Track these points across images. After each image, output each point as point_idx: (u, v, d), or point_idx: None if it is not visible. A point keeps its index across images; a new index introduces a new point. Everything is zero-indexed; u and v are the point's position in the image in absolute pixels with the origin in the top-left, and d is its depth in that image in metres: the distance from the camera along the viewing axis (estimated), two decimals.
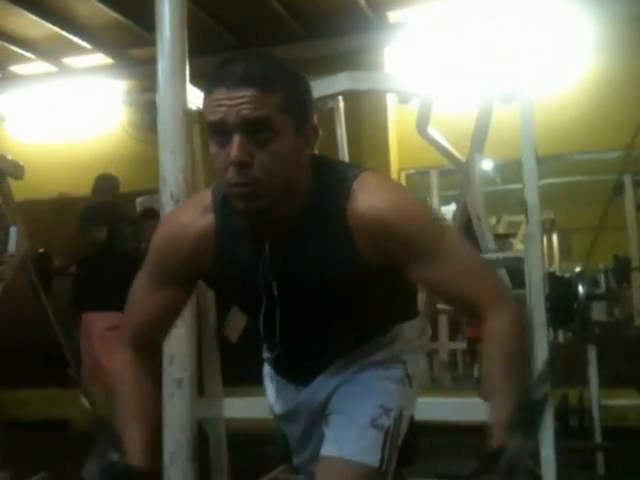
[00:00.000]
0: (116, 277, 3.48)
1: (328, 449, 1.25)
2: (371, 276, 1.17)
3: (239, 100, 1.05)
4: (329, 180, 1.17)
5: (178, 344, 2.40)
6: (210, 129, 1.09)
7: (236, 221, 1.18)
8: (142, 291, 1.26)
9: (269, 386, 1.45)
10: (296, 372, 1.37)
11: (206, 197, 1.23)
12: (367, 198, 1.13)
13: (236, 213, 1.15)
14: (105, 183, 4.08)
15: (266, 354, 1.42)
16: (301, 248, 1.17)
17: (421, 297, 1.59)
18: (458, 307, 1.28)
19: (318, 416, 1.33)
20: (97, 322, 3.56)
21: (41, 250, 4.02)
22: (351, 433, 1.24)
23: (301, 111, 1.11)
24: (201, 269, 1.23)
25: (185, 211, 1.28)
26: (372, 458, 1.22)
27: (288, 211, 1.15)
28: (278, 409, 1.42)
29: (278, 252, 1.18)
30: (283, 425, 1.44)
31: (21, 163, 3.19)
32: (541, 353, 2.25)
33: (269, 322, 1.24)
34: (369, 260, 1.15)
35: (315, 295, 1.21)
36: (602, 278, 3.23)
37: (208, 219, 1.21)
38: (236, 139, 1.06)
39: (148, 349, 1.28)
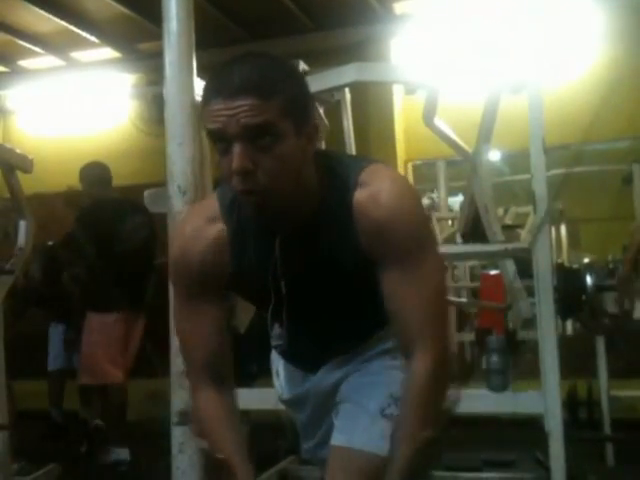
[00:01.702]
0: (110, 282, 3.49)
1: (338, 439, 1.27)
2: (371, 268, 1.17)
3: (238, 109, 1.04)
4: (338, 174, 1.17)
5: None
6: (211, 137, 1.09)
7: (247, 223, 1.19)
8: (187, 320, 1.26)
9: (277, 372, 1.47)
10: (304, 361, 1.39)
11: (211, 205, 1.23)
12: (372, 190, 1.14)
13: (246, 215, 1.16)
14: (94, 173, 3.78)
15: (274, 341, 1.43)
16: (311, 242, 1.18)
17: None
18: (397, 328, 1.20)
19: (325, 403, 1.35)
20: (94, 321, 3.61)
21: (50, 243, 4.04)
22: (361, 423, 1.25)
23: (301, 111, 1.11)
24: (224, 277, 1.23)
25: (193, 225, 1.24)
26: (382, 448, 1.22)
27: (299, 208, 1.16)
28: (285, 395, 1.44)
29: (289, 249, 1.18)
30: (290, 411, 1.46)
31: (30, 157, 3.20)
32: (549, 345, 2.25)
33: (277, 315, 1.26)
34: (367, 250, 1.16)
35: (322, 289, 1.22)
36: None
37: (219, 227, 1.21)
38: (237, 148, 1.05)
39: (223, 380, 1.26)
